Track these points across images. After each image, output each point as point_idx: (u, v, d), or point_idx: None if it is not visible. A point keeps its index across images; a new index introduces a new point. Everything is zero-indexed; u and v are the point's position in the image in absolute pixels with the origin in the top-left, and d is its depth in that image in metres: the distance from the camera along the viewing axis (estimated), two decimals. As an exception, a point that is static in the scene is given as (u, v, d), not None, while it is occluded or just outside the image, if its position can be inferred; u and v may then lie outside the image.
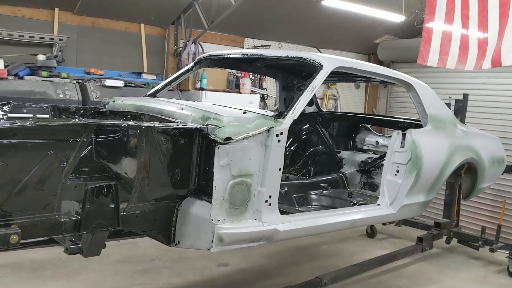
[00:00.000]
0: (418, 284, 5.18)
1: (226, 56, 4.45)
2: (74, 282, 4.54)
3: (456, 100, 6.16)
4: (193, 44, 7.28)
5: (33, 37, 6.13)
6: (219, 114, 2.99)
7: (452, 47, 5.71)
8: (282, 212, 3.32)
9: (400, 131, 4.11)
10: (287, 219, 3.32)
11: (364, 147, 5.51)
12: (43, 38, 6.20)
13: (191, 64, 4.55)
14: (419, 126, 4.40)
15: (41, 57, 5.90)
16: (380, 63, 9.76)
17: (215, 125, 2.92)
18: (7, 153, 2.27)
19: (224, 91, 7.31)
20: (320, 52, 9.00)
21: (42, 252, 5.00)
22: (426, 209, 4.60)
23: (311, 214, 3.67)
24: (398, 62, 9.60)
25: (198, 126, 2.96)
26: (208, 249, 2.96)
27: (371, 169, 4.99)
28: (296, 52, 3.98)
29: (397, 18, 7.90)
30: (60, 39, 6.30)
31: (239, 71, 7.41)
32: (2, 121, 3.18)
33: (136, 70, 7.08)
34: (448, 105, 5.85)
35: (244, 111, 3.23)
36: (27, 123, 2.28)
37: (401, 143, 4.06)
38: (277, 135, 3.09)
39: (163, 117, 3.22)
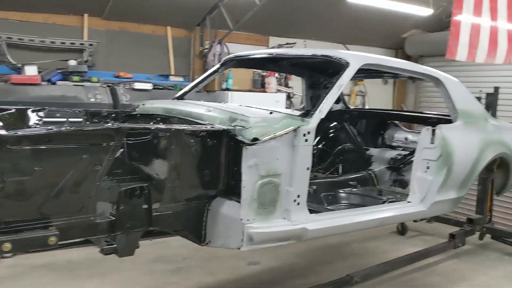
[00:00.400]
0: (451, 282, 5.10)
1: (251, 56, 4.48)
2: (109, 281, 4.66)
3: (487, 94, 6.03)
4: (219, 45, 7.34)
5: (64, 43, 6.31)
6: (245, 115, 3.03)
7: (481, 40, 5.60)
8: (311, 211, 3.33)
9: (430, 127, 4.05)
10: (316, 218, 3.33)
11: (393, 144, 5.44)
12: (74, 43, 6.37)
13: (217, 66, 4.60)
14: (449, 121, 4.34)
15: (72, 62, 6.07)
16: (408, 57, 9.63)
17: (242, 126, 2.96)
18: (44, 158, 2.36)
19: (249, 90, 7.35)
20: (347, 48, 8.94)
21: (78, 252, 5.14)
22: (458, 205, 4.54)
23: (340, 213, 3.67)
24: (426, 56, 9.45)
25: (225, 127, 3.01)
26: (238, 248, 3.00)
27: (400, 166, 4.93)
28: (322, 50, 3.98)
29: (424, 11, 7.77)
30: (90, 44, 6.46)
31: (264, 71, 7.43)
32: (38, 127, 3.29)
33: (163, 72, 7.19)
34: (479, 99, 5.73)
35: (270, 111, 3.25)
36: (63, 128, 2.36)
37: (431, 139, 4.01)
38: (304, 135, 3.10)
39: (192, 119, 3.28)
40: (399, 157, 4.99)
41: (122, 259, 2.99)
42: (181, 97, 4.47)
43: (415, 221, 6.28)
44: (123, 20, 6.90)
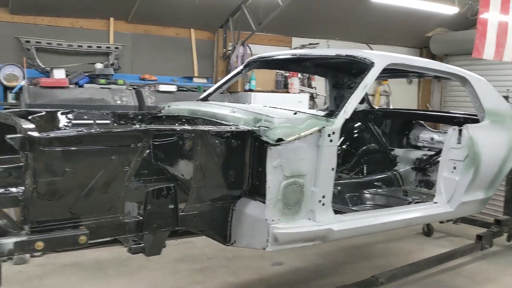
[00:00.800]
0: (478, 283, 5.02)
1: (275, 57, 4.50)
2: (136, 281, 4.73)
3: (515, 93, 5.93)
4: (242, 46, 7.38)
5: (91, 46, 6.44)
6: (270, 115, 3.04)
7: (509, 38, 5.50)
8: (336, 212, 3.33)
9: (456, 126, 4.01)
10: (342, 219, 3.32)
11: (419, 144, 5.39)
12: (100, 47, 6.49)
13: (241, 67, 4.63)
14: (476, 121, 4.28)
15: (99, 65, 6.18)
16: (433, 56, 9.51)
17: (267, 127, 2.98)
18: (75, 158, 2.42)
19: (272, 91, 7.36)
20: (371, 48, 8.88)
21: (105, 252, 5.23)
22: (485, 206, 4.47)
23: (366, 214, 3.66)
24: (452, 55, 9.31)
25: (250, 128, 3.03)
26: (264, 249, 3.02)
27: (426, 166, 4.88)
28: (346, 50, 3.97)
29: (450, 10, 7.66)
30: (116, 48, 6.58)
31: (287, 71, 7.44)
32: (68, 129, 3.37)
33: (187, 74, 7.27)
34: (506, 98, 5.64)
35: (294, 111, 3.26)
36: (92, 130, 2.42)
37: (458, 139, 3.96)
38: (329, 135, 3.10)
39: (216, 120, 3.31)
40: (424, 157, 4.94)
41: (149, 259, 3.05)
42: (205, 99, 4.51)
43: (441, 222, 6.19)
44: (148, 23, 7.00)
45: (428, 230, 6.65)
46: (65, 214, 2.47)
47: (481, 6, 5.74)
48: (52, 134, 2.35)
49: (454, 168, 3.95)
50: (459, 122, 4.59)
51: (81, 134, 2.38)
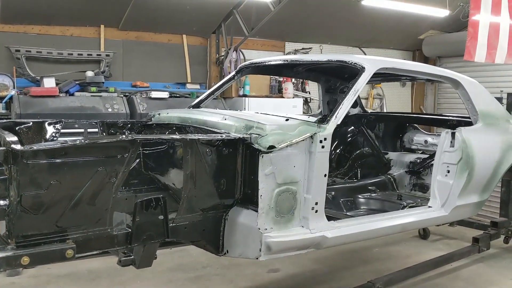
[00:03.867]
0: (476, 287, 4.98)
1: (266, 63, 4.47)
2: (129, 291, 4.68)
3: (508, 94, 5.91)
4: (234, 51, 7.36)
5: (81, 54, 6.40)
6: (261, 122, 3.01)
7: (500, 40, 5.49)
8: (330, 218, 3.30)
9: (449, 130, 3.98)
10: (335, 225, 3.28)
11: (413, 147, 5.37)
12: (91, 55, 6.45)
13: (233, 73, 4.60)
14: (470, 123, 4.25)
15: (89, 73, 6.15)
16: (426, 59, 9.52)
17: (258, 134, 2.94)
18: (60, 171, 2.37)
19: (267, 96, 7.35)
20: (363, 52, 8.88)
21: (98, 262, 5.17)
22: (481, 209, 4.44)
23: (360, 219, 3.62)
24: (444, 57, 9.32)
25: (241, 136, 2.99)
26: (257, 258, 2.98)
27: (420, 169, 4.85)
28: (337, 56, 3.95)
29: (441, 13, 7.67)
30: (107, 55, 6.54)
31: (280, 77, 7.42)
32: (55, 140, 3.32)
33: (180, 80, 7.24)
34: (500, 99, 5.63)
35: (286, 118, 3.23)
36: (77, 142, 2.38)
37: (451, 142, 3.94)
38: (320, 141, 3.06)
39: (207, 128, 3.27)
40: (418, 160, 4.91)
41: (143, 269, 3.00)
42: (197, 105, 4.47)
43: (437, 225, 6.17)
44: (139, 30, 6.97)
45: (424, 233, 6.61)
46: (51, 227, 2.42)
47: (472, 8, 5.72)
48: (36, 147, 2.30)
49: (448, 171, 3.92)
50: (453, 125, 4.57)
51: (65, 146, 2.33)
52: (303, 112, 7.61)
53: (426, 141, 5.26)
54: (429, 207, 3.96)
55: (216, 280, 4.99)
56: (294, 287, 4.91)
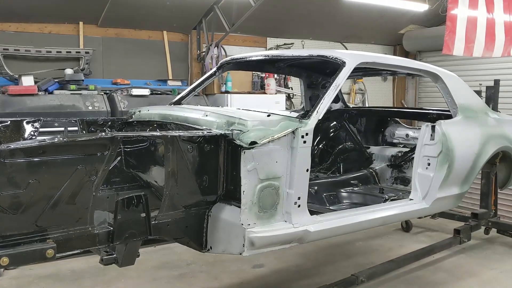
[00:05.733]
0: (458, 278, 5.06)
1: (248, 59, 4.46)
2: (113, 290, 4.64)
3: (487, 87, 5.98)
4: (216, 47, 7.33)
5: (60, 52, 6.31)
6: (243, 118, 3.00)
7: (478, 34, 5.56)
8: (313, 212, 3.31)
9: (429, 123, 4.02)
10: (318, 220, 3.29)
11: (394, 141, 5.42)
12: (70, 52, 6.37)
13: (214, 69, 4.57)
14: (449, 116, 4.30)
15: (68, 71, 6.06)
16: (406, 53, 9.60)
17: (240, 130, 2.93)
18: (38, 170, 2.34)
19: (249, 92, 7.33)
20: (345, 47, 8.92)
21: (81, 262, 5.11)
22: (462, 200, 4.50)
23: (342, 213, 3.64)
24: (425, 52, 9.42)
25: (223, 132, 2.98)
26: (240, 254, 2.97)
27: (401, 163, 4.90)
28: (318, 50, 3.96)
29: (420, 7, 7.74)
30: (86, 52, 6.46)
31: (262, 72, 7.41)
32: (34, 138, 3.27)
33: (162, 77, 7.18)
34: (479, 92, 5.70)
35: (268, 113, 3.22)
36: (55, 140, 2.34)
37: (431, 135, 3.97)
38: (302, 136, 3.07)
39: (189, 124, 3.25)
40: (400, 154, 4.96)
41: (126, 267, 2.98)
42: (178, 102, 4.44)
43: (419, 217, 6.24)
44: (119, 26, 6.90)
45: (407, 226, 6.69)
46: (31, 227, 2.38)
47: (450, 2, 5.79)
48: (13, 146, 2.26)
49: (429, 164, 3.96)
50: (433, 118, 4.62)
51: (43, 144, 2.29)
52: (286, 108, 7.61)
53: (407, 135, 5.31)
54: (411, 199, 4.00)
55: (201, 277, 4.98)
56: (279, 282, 4.92)
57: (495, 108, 5.63)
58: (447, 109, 4.42)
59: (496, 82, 6.01)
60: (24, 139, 3.32)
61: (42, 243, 2.40)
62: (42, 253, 2.38)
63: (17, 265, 2.46)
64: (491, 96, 5.89)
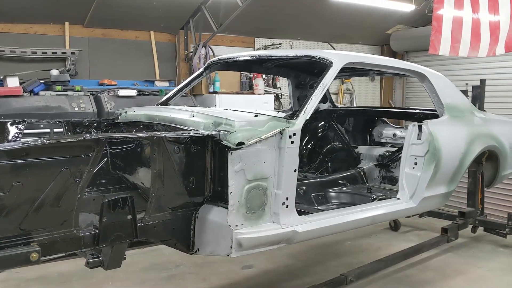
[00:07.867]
0: (446, 276, 5.09)
1: (235, 59, 4.44)
2: (100, 293, 4.60)
3: (473, 87, 6.02)
4: (204, 48, 7.29)
5: (45, 52, 6.24)
6: (230, 119, 2.99)
7: (463, 34, 5.60)
8: (301, 213, 3.31)
9: (416, 123, 4.04)
10: (306, 220, 3.29)
11: (382, 141, 5.44)
12: (56, 53, 6.30)
13: (201, 69, 4.56)
14: (436, 116, 4.33)
15: (54, 72, 5.98)
16: (394, 53, 9.65)
17: (227, 131, 2.92)
18: (22, 172, 2.30)
19: (237, 93, 7.31)
20: (333, 47, 8.94)
21: (69, 264, 5.06)
22: (449, 199, 4.53)
23: (330, 213, 3.64)
24: (412, 52, 9.47)
25: (209, 132, 2.96)
26: (228, 255, 2.96)
27: (389, 162, 4.92)
28: (305, 51, 3.96)
29: (407, 7, 7.79)
30: (72, 53, 6.39)
31: (250, 73, 7.40)
32: (15, 141, 3.22)
33: (149, 78, 7.14)
34: (465, 92, 5.74)
35: (255, 114, 3.21)
36: (39, 141, 2.30)
37: (418, 135, 4.00)
38: (290, 137, 3.07)
39: (175, 125, 3.23)
40: (387, 154, 4.97)
41: (115, 269, 2.95)
42: (165, 103, 4.42)
43: (407, 216, 6.27)
44: (105, 27, 6.84)
45: (395, 225, 6.72)
46: (15, 230, 2.35)
47: (436, 2, 5.82)
48: (-5, 148, 2.22)
49: (416, 163, 3.98)
50: (420, 118, 4.64)
51: (27, 146, 2.26)
52: (274, 108, 7.61)
53: (394, 135, 5.34)
54: (398, 199, 4.02)
55: (190, 279, 4.96)
56: (269, 283, 4.92)
57: (481, 108, 5.68)
58: (434, 108, 4.45)
59: (482, 81, 6.06)
60: (8, 141, 3.27)
61: (26, 246, 2.37)
62: (26, 256, 2.34)
63: (1, 268, 2.41)
64: (477, 96, 5.93)
